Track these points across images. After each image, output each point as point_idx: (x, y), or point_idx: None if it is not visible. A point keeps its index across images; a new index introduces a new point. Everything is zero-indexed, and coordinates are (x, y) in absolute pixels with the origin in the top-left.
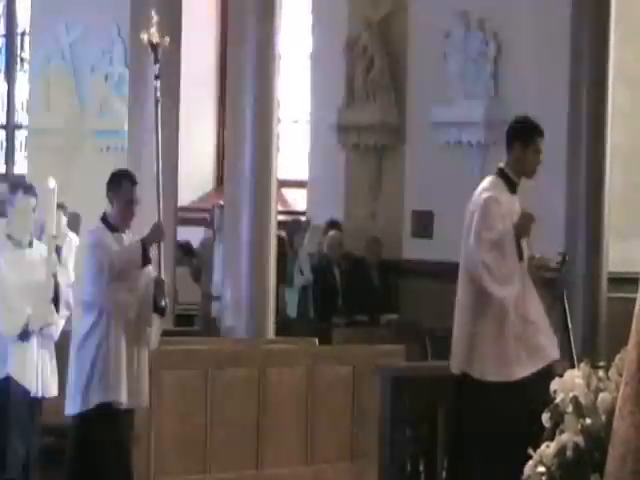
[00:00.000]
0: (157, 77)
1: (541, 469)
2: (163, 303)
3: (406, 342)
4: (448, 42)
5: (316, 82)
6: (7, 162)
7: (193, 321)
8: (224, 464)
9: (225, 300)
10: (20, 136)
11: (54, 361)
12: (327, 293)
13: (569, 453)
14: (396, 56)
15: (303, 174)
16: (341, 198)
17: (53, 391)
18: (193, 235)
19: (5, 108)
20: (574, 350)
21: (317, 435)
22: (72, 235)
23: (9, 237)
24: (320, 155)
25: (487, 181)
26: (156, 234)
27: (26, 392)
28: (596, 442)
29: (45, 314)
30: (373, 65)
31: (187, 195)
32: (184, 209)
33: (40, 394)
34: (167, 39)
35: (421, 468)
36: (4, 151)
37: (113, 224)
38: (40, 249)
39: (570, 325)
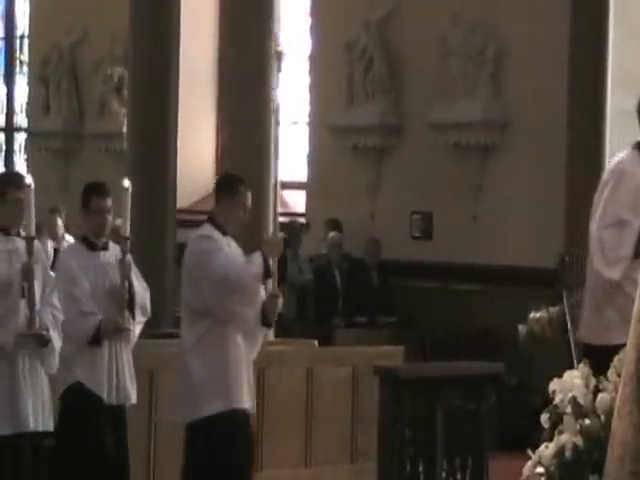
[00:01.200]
0: (276, 86)
1: (540, 469)
2: (273, 317)
3: (405, 343)
4: (447, 43)
5: (315, 83)
6: (6, 165)
7: None
8: None
9: None
10: (19, 139)
11: (132, 368)
12: (327, 294)
13: (568, 454)
14: (395, 57)
15: (302, 175)
16: (340, 199)
17: (132, 398)
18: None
19: (4, 110)
20: (574, 351)
21: (317, 437)
22: (70, 238)
23: (84, 239)
24: (319, 156)
25: (625, 153)
26: (278, 247)
27: (98, 398)
28: (595, 443)
29: (118, 319)
30: (372, 66)
31: (186, 197)
32: (183, 211)
33: (115, 401)
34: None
35: (420, 469)
36: (3, 154)
37: (223, 227)
38: (115, 251)
39: (570, 326)
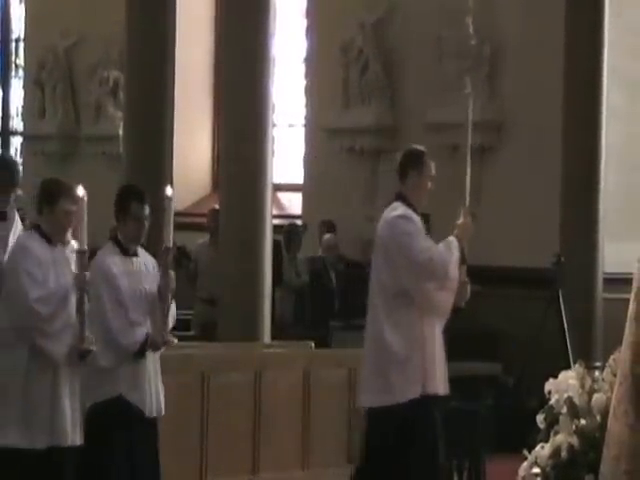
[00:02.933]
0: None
1: (536, 470)
2: (461, 304)
3: None
4: (442, 44)
5: (311, 86)
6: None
7: (189, 326)
8: (220, 468)
9: (221, 304)
10: (15, 142)
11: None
12: (323, 296)
13: (564, 454)
14: (391, 58)
15: (298, 177)
16: (337, 201)
17: (163, 409)
18: (189, 240)
19: (0, 114)
20: (570, 351)
21: (313, 439)
22: (74, 242)
23: (117, 243)
24: (315, 158)
25: None
26: (470, 231)
27: (140, 412)
28: (590, 442)
29: (164, 332)
30: (368, 68)
31: (183, 200)
32: (180, 214)
33: (153, 413)
34: None
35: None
36: None
37: (413, 205)
38: (145, 259)
39: (566, 326)
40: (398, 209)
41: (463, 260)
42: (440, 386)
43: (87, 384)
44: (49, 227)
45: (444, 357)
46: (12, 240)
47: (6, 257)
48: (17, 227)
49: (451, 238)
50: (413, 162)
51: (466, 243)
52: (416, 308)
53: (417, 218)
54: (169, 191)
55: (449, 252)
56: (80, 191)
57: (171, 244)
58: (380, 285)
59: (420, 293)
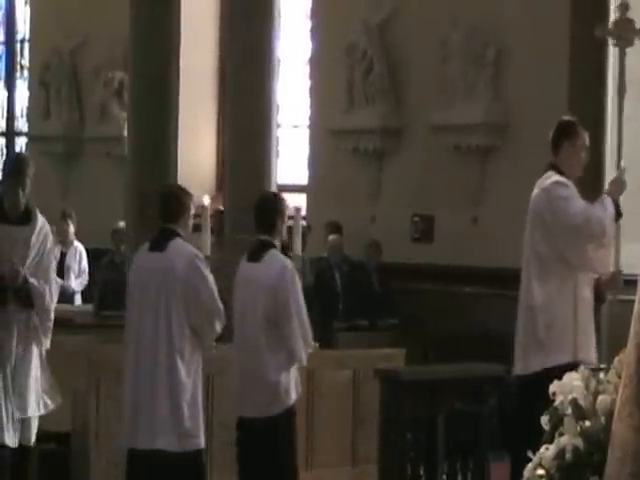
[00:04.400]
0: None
1: (540, 472)
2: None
3: (406, 346)
4: (447, 45)
5: (315, 86)
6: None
7: None
8: (225, 468)
9: (227, 306)
10: (20, 143)
11: None
12: (328, 297)
13: (568, 456)
14: (395, 60)
15: (303, 179)
16: (341, 202)
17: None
18: (193, 240)
19: (5, 115)
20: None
21: (318, 439)
22: (77, 244)
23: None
24: (320, 159)
25: None
26: (622, 186)
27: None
28: (595, 444)
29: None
30: (372, 69)
31: None
32: None
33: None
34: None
35: (421, 472)
36: (4, 158)
37: (567, 174)
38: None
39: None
40: (552, 177)
41: (618, 215)
42: (592, 353)
43: None
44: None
45: (593, 324)
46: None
47: None
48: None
49: (604, 195)
50: (567, 133)
51: (619, 197)
52: (571, 274)
53: (571, 184)
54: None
55: (604, 210)
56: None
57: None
58: (536, 256)
59: (578, 256)
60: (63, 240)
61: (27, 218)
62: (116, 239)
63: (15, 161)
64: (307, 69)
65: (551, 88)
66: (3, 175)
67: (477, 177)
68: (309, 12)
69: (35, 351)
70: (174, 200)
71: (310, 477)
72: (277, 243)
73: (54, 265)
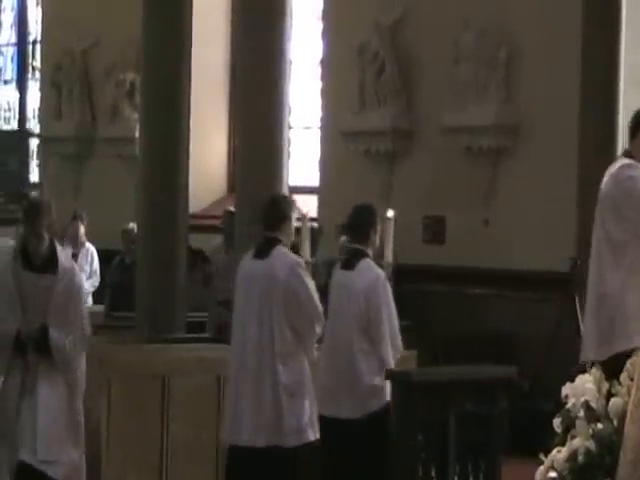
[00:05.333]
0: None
1: (553, 474)
2: None
3: (417, 347)
4: (459, 47)
5: (327, 88)
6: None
7: (204, 328)
8: None
9: (228, 305)
10: (32, 144)
11: None
12: None
13: (580, 458)
14: (407, 61)
15: (314, 180)
16: (352, 204)
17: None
18: (204, 242)
19: (17, 116)
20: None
21: None
22: (89, 245)
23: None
24: (331, 161)
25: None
26: None
27: None
28: (607, 447)
29: None
30: (384, 70)
31: (199, 202)
32: (195, 216)
33: None
34: None
35: (433, 473)
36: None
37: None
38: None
39: (582, 329)
40: (623, 161)
41: None
42: None
43: None
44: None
45: None
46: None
47: None
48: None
49: None
50: None
51: None
52: None
53: None
54: (390, 213)
55: None
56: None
57: (391, 260)
58: (608, 242)
59: None
60: (75, 242)
61: (50, 265)
62: (126, 240)
63: (29, 207)
64: (319, 70)
65: (563, 89)
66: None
67: (488, 179)
68: (321, 13)
69: (61, 394)
70: (276, 209)
71: None
72: (370, 252)
73: (83, 310)
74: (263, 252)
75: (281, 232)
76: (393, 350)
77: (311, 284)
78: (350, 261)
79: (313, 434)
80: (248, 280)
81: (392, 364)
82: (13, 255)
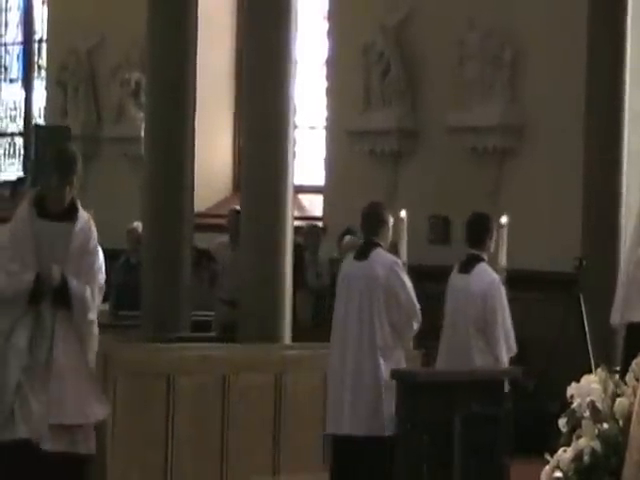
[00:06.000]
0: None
1: (558, 474)
2: None
3: (423, 347)
4: (464, 47)
5: (332, 88)
6: (24, 169)
7: (209, 327)
8: (240, 470)
9: (241, 306)
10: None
11: None
12: None
13: (586, 458)
14: (412, 61)
15: (319, 180)
16: (357, 204)
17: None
18: (210, 241)
19: (22, 115)
20: (591, 354)
21: None
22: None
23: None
24: (337, 161)
25: None
26: None
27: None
28: (613, 447)
29: None
30: (389, 70)
31: (204, 201)
32: (201, 215)
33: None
34: None
35: (438, 474)
36: (21, 158)
37: None
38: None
39: (587, 329)
40: None
41: None
42: None
43: None
44: None
45: None
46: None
47: None
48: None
49: None
50: None
51: None
52: None
53: None
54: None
55: None
56: (402, 213)
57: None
58: None
59: None
60: None
61: (69, 214)
62: (131, 239)
63: (65, 156)
64: (324, 70)
65: (568, 89)
66: (47, 167)
67: (494, 179)
68: (326, 13)
69: (75, 356)
70: (375, 216)
71: (327, 478)
72: (485, 257)
73: (100, 265)
74: (363, 254)
75: (379, 236)
76: (507, 350)
77: (408, 282)
78: (467, 265)
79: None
80: (349, 280)
81: (506, 363)
82: (28, 202)
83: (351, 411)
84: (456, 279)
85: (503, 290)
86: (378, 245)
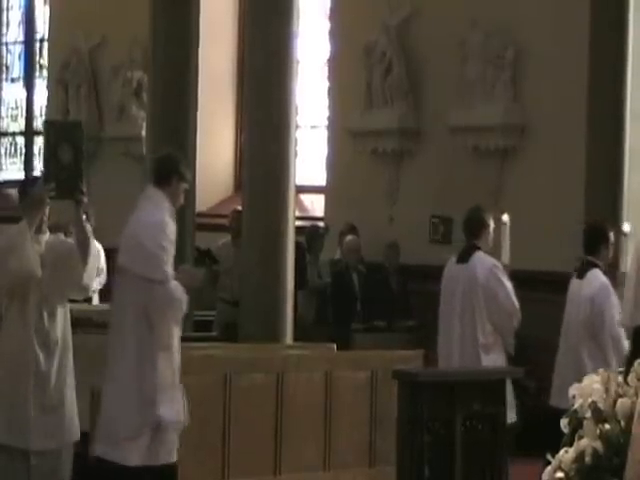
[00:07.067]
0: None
1: (560, 475)
2: None
3: (424, 347)
4: (466, 46)
5: (334, 87)
6: (26, 168)
7: (211, 327)
8: (242, 469)
9: (243, 305)
10: (39, 142)
11: None
12: (345, 298)
13: (588, 459)
14: (414, 60)
15: (321, 179)
16: (359, 203)
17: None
18: (211, 240)
19: (24, 114)
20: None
21: (335, 440)
22: (96, 243)
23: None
24: (338, 160)
25: None
26: None
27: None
28: (615, 448)
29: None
30: (391, 70)
31: (206, 201)
32: (202, 215)
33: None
34: None
35: (439, 474)
36: (23, 157)
37: None
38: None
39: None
40: None
41: None
42: None
43: None
44: None
45: None
46: None
47: None
48: None
49: None
50: None
51: None
52: None
53: None
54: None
55: None
56: (504, 217)
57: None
58: None
59: None
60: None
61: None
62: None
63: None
64: (326, 70)
65: (570, 89)
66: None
67: (496, 178)
68: (328, 13)
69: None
70: (477, 220)
71: (328, 477)
72: (600, 263)
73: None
74: (464, 257)
75: (480, 240)
76: (616, 354)
77: (507, 284)
78: (582, 271)
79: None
80: (452, 282)
81: (615, 367)
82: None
83: None
84: (574, 285)
85: (613, 294)
86: (478, 248)
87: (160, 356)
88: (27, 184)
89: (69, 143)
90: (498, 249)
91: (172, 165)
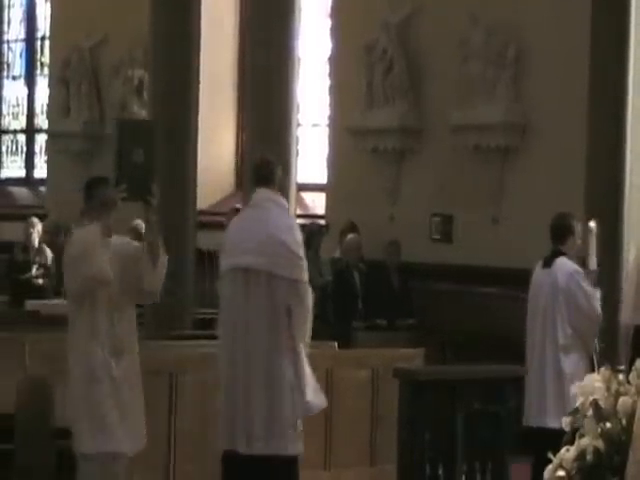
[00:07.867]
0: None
1: (561, 473)
2: None
3: (425, 345)
4: (467, 45)
5: (335, 86)
6: (27, 166)
7: (212, 325)
8: None
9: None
10: (40, 140)
11: None
12: (347, 297)
13: (589, 457)
14: (415, 59)
15: (322, 178)
16: (360, 202)
17: None
18: (212, 239)
19: (25, 112)
20: (595, 355)
21: (336, 439)
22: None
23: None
24: (339, 159)
25: None
26: None
27: None
28: (616, 446)
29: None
30: (392, 68)
31: (207, 199)
32: (204, 213)
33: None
34: None
35: (440, 472)
36: (24, 155)
37: None
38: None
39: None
40: None
41: None
42: None
43: None
44: None
45: None
46: None
47: None
48: None
49: None
50: None
51: None
52: None
53: None
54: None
55: None
56: (591, 223)
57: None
58: None
59: None
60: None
61: None
62: (134, 237)
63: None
64: (327, 68)
65: (571, 88)
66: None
67: (497, 177)
68: (329, 11)
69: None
70: (564, 227)
71: (328, 476)
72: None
73: None
74: (548, 262)
75: (565, 245)
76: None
77: (588, 288)
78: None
79: None
80: (536, 285)
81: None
82: None
83: (536, 404)
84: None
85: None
86: (563, 254)
87: (302, 348)
88: (92, 186)
89: (141, 143)
90: (584, 255)
91: (272, 165)
